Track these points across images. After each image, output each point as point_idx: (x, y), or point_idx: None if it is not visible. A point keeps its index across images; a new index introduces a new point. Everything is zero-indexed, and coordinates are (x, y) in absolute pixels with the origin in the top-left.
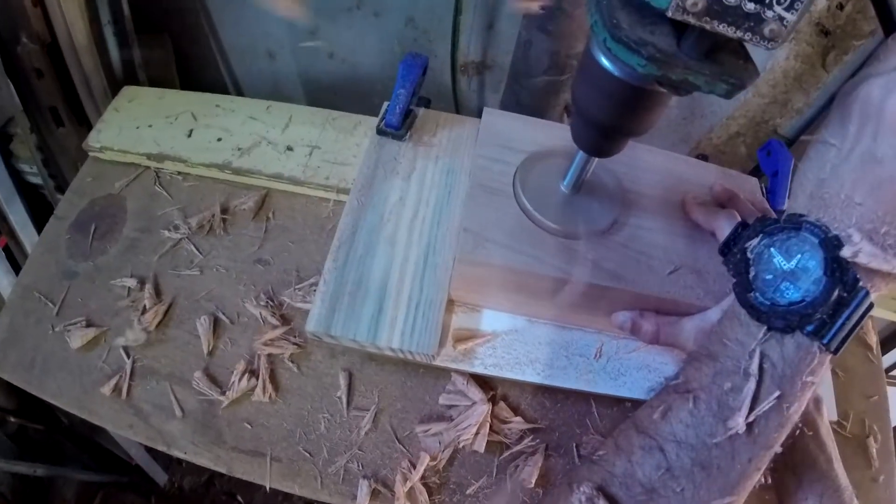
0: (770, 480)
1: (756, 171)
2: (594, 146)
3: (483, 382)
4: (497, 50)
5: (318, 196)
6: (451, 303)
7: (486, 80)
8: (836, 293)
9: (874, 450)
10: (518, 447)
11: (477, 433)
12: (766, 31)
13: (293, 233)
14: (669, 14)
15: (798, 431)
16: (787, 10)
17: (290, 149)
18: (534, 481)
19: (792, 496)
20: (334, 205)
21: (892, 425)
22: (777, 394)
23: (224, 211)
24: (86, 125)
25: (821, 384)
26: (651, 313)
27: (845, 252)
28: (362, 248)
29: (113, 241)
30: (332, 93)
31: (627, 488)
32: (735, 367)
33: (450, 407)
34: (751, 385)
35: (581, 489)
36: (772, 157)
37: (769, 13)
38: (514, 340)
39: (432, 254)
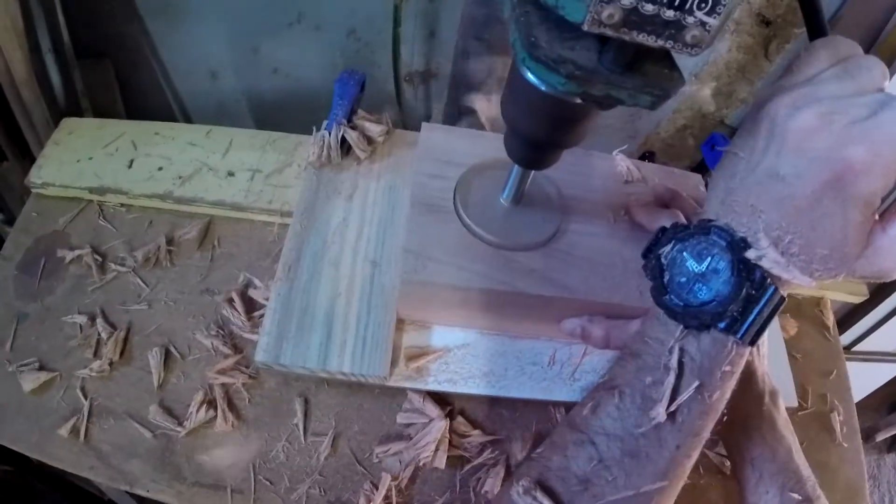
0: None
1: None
2: (528, 160)
3: (440, 398)
4: (441, 58)
5: (262, 220)
6: (400, 321)
7: (432, 89)
8: (744, 291)
9: (838, 425)
10: (479, 460)
11: (437, 450)
12: (689, 37)
13: (239, 260)
14: (585, 28)
15: (725, 418)
16: (708, 14)
17: (231, 174)
18: (497, 492)
19: (753, 490)
20: (279, 228)
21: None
22: (696, 384)
23: (169, 242)
24: (29, 158)
25: (774, 374)
26: (600, 318)
27: (750, 254)
28: (307, 274)
29: (60, 280)
30: (277, 109)
31: (563, 481)
32: (656, 362)
33: (408, 425)
34: (670, 378)
35: (520, 483)
36: (716, 151)
37: (690, 19)
38: (466, 354)
39: (378, 274)
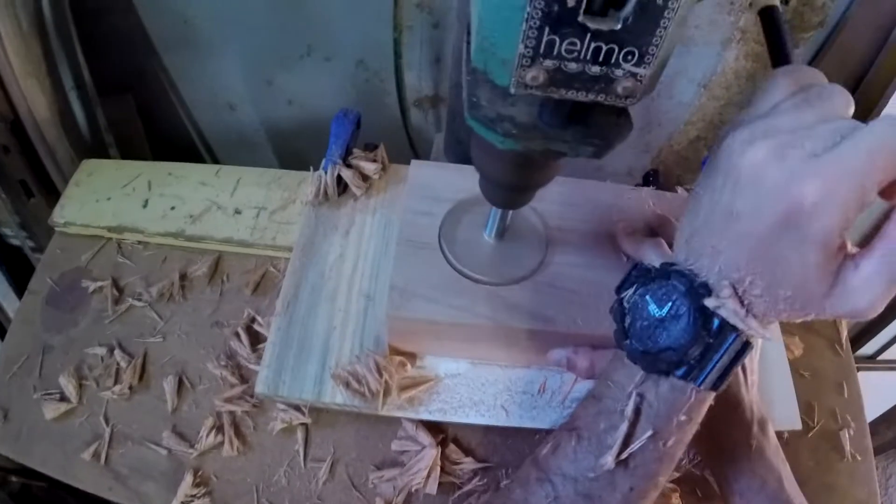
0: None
1: None
2: (502, 201)
3: (434, 425)
4: (447, 84)
5: (268, 255)
6: (393, 352)
7: (442, 114)
8: (701, 341)
9: (848, 443)
10: (469, 486)
11: (428, 476)
12: (620, 89)
13: (246, 294)
14: (512, 91)
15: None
16: (637, 65)
17: (238, 212)
18: None
19: None
20: (284, 263)
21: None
22: (650, 433)
23: (182, 277)
24: (55, 194)
25: (777, 397)
26: (586, 349)
27: (710, 302)
28: (305, 308)
29: (83, 313)
30: (294, 138)
31: None
32: (614, 407)
33: (402, 452)
34: (624, 426)
35: None
36: None
37: (618, 72)
38: (457, 384)
39: (372, 307)
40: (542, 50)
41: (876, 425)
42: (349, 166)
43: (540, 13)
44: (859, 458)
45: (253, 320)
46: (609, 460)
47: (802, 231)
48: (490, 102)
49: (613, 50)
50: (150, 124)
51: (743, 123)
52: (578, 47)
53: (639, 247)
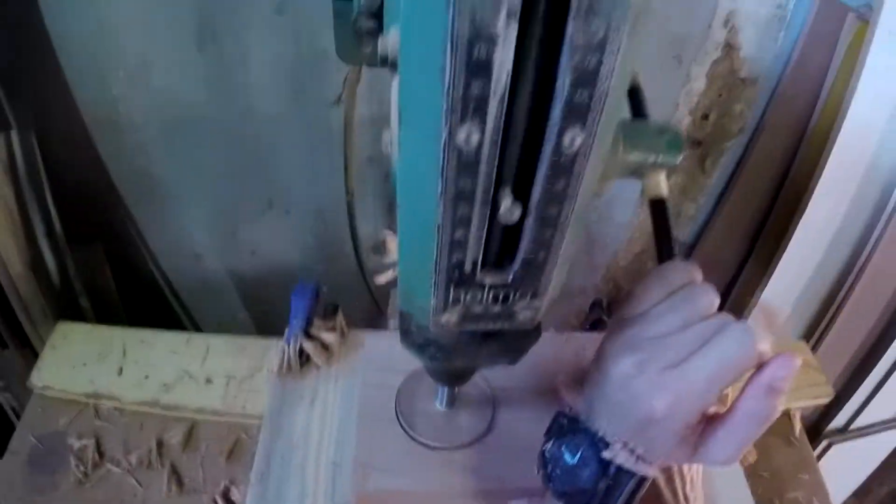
0: None
1: None
2: (445, 383)
3: None
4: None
5: (241, 423)
6: None
7: None
8: (605, 481)
9: None
10: None
11: None
12: (521, 318)
13: (221, 461)
14: (432, 329)
15: None
16: (533, 298)
17: (209, 381)
18: None
19: None
20: (255, 430)
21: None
22: None
23: (159, 444)
24: (29, 347)
25: None
26: (538, 499)
27: (606, 454)
28: (277, 480)
29: (64, 477)
30: (259, 286)
31: None
32: None
33: None
34: None
35: None
36: None
37: (518, 306)
38: None
39: (340, 473)
40: (450, 302)
41: (868, 484)
42: (311, 337)
43: (445, 277)
44: None
45: (229, 488)
46: None
47: (659, 428)
48: (418, 331)
49: (510, 293)
50: (120, 272)
51: (619, 326)
52: (480, 297)
53: (578, 397)
